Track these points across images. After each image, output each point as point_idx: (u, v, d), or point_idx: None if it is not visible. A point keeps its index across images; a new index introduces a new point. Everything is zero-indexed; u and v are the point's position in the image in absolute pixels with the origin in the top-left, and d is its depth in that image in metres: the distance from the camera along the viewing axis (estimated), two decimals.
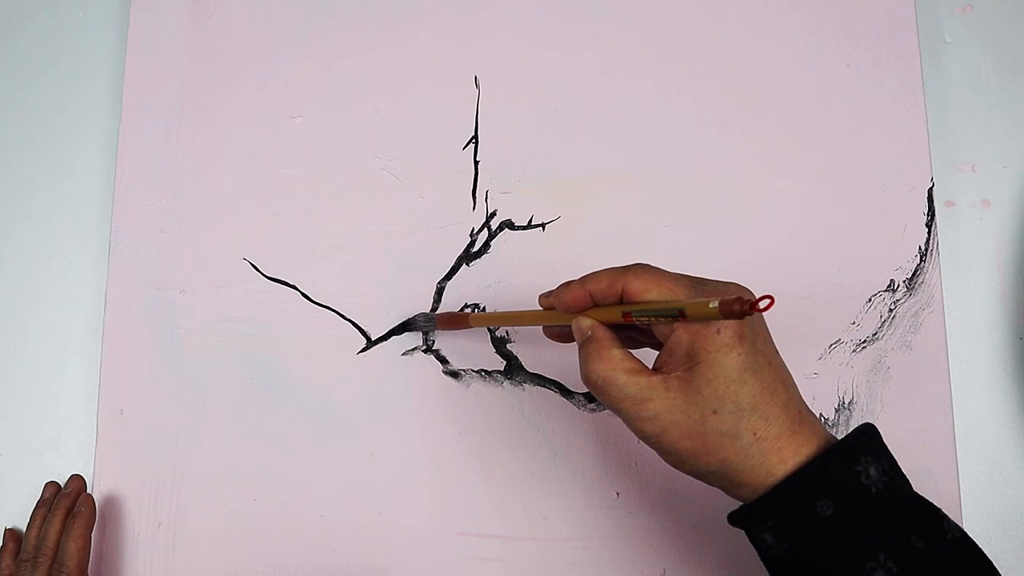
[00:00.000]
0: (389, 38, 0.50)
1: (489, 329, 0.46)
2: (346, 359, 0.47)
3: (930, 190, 0.47)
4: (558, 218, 0.48)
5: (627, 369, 0.31)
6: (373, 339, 0.47)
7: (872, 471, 0.29)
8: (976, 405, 0.47)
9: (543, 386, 0.46)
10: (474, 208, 0.48)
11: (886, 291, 0.46)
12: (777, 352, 0.32)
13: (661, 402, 0.30)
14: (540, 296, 0.36)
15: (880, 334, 0.46)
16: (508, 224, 0.48)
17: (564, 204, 0.48)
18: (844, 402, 0.45)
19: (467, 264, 0.47)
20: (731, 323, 0.29)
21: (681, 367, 0.30)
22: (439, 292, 0.47)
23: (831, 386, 0.45)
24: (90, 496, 0.46)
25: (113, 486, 0.47)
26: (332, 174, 0.49)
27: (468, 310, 0.46)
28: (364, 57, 0.50)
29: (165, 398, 0.47)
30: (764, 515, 0.30)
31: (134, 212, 0.50)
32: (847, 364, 0.45)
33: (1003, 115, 0.50)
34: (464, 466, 0.46)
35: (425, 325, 0.46)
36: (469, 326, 0.43)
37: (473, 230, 0.48)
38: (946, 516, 0.30)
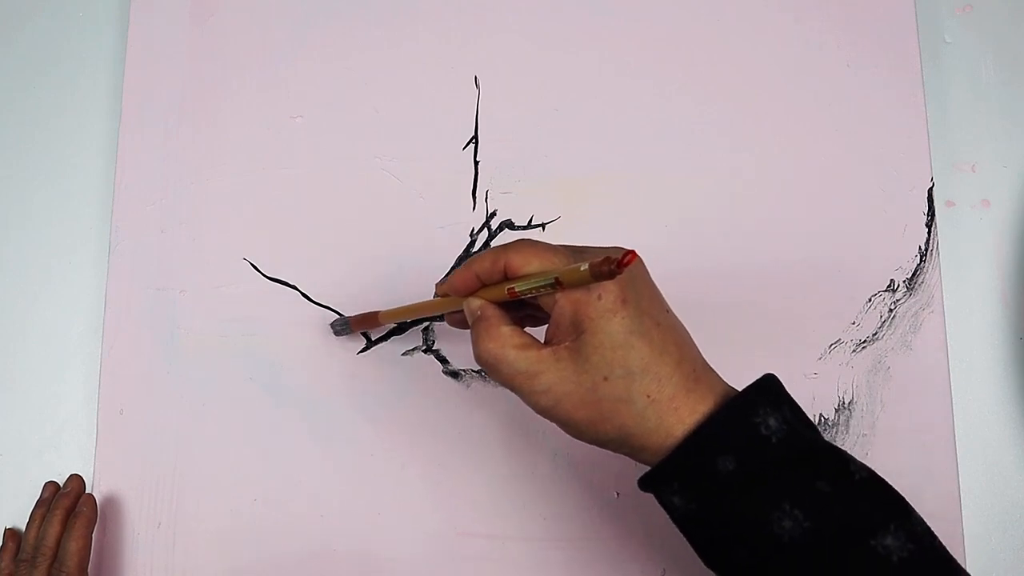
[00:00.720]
0: (389, 38, 0.50)
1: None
2: (346, 359, 0.47)
3: (930, 190, 0.47)
4: (558, 218, 0.48)
5: (516, 344, 0.31)
6: (373, 339, 0.47)
7: (771, 421, 0.29)
8: (976, 405, 0.47)
9: None
10: (474, 208, 0.48)
11: (886, 291, 0.46)
12: (668, 311, 0.32)
13: (552, 374, 0.30)
14: (436, 284, 0.36)
15: (880, 334, 0.46)
16: (508, 224, 0.48)
17: (564, 204, 0.48)
18: (844, 402, 0.45)
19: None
20: (612, 288, 0.29)
21: (568, 337, 0.30)
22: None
23: (831, 386, 0.45)
24: (92, 496, 0.46)
25: (113, 486, 0.47)
26: (332, 174, 0.49)
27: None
28: (364, 57, 0.50)
29: (165, 398, 0.47)
30: (668, 477, 0.30)
31: (134, 212, 0.50)
32: (847, 364, 0.45)
33: (1003, 115, 0.50)
34: (464, 466, 0.46)
35: (341, 329, 0.46)
36: (380, 323, 0.43)
37: (473, 230, 0.48)
38: (853, 458, 0.30)
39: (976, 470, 0.46)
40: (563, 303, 0.30)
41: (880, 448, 0.44)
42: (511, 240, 0.32)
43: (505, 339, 0.31)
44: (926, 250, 0.46)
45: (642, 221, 0.47)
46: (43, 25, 0.55)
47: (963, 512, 0.43)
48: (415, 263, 0.48)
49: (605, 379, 0.29)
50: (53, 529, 0.44)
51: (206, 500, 0.46)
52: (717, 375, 0.32)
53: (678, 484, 0.30)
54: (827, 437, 0.44)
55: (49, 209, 0.52)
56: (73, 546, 0.44)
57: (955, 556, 0.42)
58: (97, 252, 0.51)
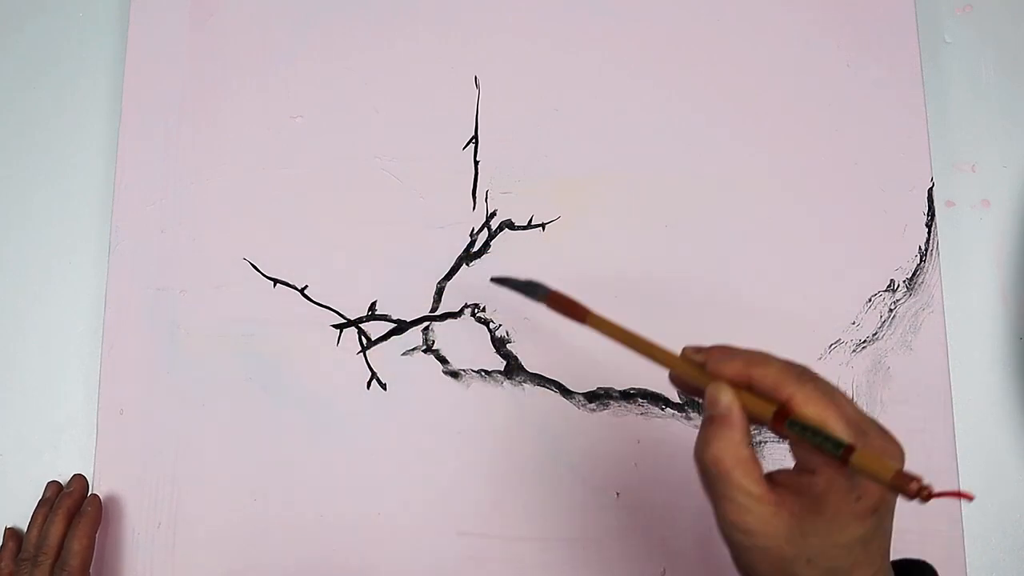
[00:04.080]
0: (389, 38, 0.50)
1: (489, 329, 0.47)
2: (346, 359, 0.47)
3: (930, 190, 0.47)
4: (558, 218, 0.48)
5: (747, 471, 0.28)
6: (373, 339, 0.47)
7: None
8: (976, 405, 0.47)
9: (543, 386, 0.46)
10: (474, 208, 0.48)
11: (886, 291, 0.46)
12: (892, 514, 0.30)
13: (762, 524, 0.28)
14: (688, 348, 0.32)
15: (880, 334, 0.46)
16: (508, 224, 0.48)
17: (564, 204, 0.48)
18: None
19: (467, 264, 0.47)
20: (874, 494, 0.26)
21: (799, 503, 0.28)
22: (439, 292, 0.47)
23: None
24: (97, 496, 0.46)
25: (113, 486, 0.47)
26: (332, 174, 0.49)
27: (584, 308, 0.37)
28: (364, 57, 0.50)
29: (165, 398, 0.48)
30: None
31: (134, 212, 0.50)
32: (847, 364, 0.45)
33: (1003, 115, 0.50)
34: (464, 466, 0.46)
35: (527, 290, 0.38)
36: (584, 322, 0.35)
37: (473, 230, 0.48)
38: None
39: (976, 470, 0.45)
40: (821, 474, 0.27)
41: None
42: (811, 372, 0.29)
43: (741, 459, 0.28)
44: (926, 250, 0.46)
45: (642, 221, 0.47)
46: (43, 25, 0.55)
47: (963, 512, 0.43)
48: (415, 263, 0.48)
49: (808, 562, 0.28)
50: (56, 529, 0.45)
51: (206, 500, 0.46)
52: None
53: None
54: None
55: (49, 209, 0.52)
56: (77, 545, 0.44)
57: (955, 555, 0.42)
58: (97, 252, 0.51)
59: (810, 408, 0.27)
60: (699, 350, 0.31)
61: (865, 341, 0.45)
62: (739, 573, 0.30)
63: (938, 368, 0.45)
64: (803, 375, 0.28)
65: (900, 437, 0.43)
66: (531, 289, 0.38)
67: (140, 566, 0.46)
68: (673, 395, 0.45)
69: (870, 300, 0.46)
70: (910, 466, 0.43)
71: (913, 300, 0.46)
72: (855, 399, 0.45)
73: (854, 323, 0.46)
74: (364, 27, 0.51)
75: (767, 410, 0.28)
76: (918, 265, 0.46)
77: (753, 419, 0.29)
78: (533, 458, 0.46)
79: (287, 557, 0.46)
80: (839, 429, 0.27)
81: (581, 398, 0.46)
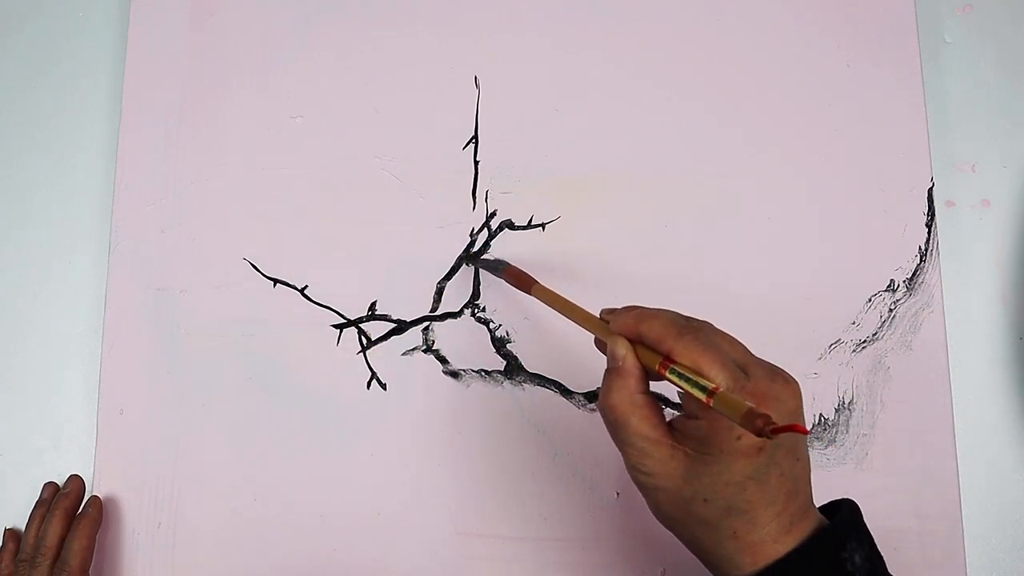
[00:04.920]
0: (389, 38, 0.51)
1: (489, 329, 0.47)
2: (346, 359, 0.47)
3: (930, 190, 0.47)
4: (558, 218, 0.48)
5: (644, 416, 0.31)
6: (373, 339, 0.47)
7: (857, 558, 0.29)
8: (976, 405, 0.47)
9: (543, 386, 0.46)
10: (474, 208, 0.48)
11: (886, 291, 0.46)
12: (798, 458, 0.31)
13: (662, 465, 0.30)
14: (603, 309, 0.35)
15: (880, 334, 0.46)
16: (508, 224, 0.48)
17: (564, 204, 0.48)
18: (844, 402, 0.45)
19: (467, 264, 0.47)
20: (754, 437, 0.28)
21: (692, 445, 0.30)
22: (439, 292, 0.47)
23: (831, 386, 0.45)
24: (97, 497, 0.46)
25: (113, 486, 0.47)
26: (332, 174, 0.49)
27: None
28: (364, 57, 0.50)
29: (165, 398, 0.48)
30: None
31: (134, 212, 0.50)
32: (847, 364, 0.45)
33: (1003, 115, 0.50)
34: (464, 466, 0.46)
35: (488, 265, 0.46)
36: (529, 292, 0.41)
37: (473, 230, 0.48)
38: None
39: (976, 470, 0.45)
40: (703, 417, 0.29)
41: (880, 448, 0.44)
42: (700, 320, 0.32)
43: (636, 404, 0.31)
44: (926, 250, 0.46)
45: (642, 221, 0.47)
46: (43, 25, 0.55)
47: (963, 512, 0.43)
48: (415, 263, 0.48)
49: (705, 501, 0.29)
50: (53, 529, 0.45)
51: (206, 500, 0.46)
52: (816, 514, 0.31)
53: None
54: (826, 438, 0.45)
55: (49, 209, 0.53)
56: (76, 545, 0.44)
57: (955, 555, 0.42)
58: (97, 252, 0.51)
59: (686, 357, 0.29)
60: (611, 311, 0.34)
61: (865, 341, 0.46)
62: (653, 513, 0.32)
63: (938, 368, 0.45)
64: (685, 328, 0.31)
65: (900, 437, 0.44)
66: (495, 266, 0.45)
67: (140, 566, 0.46)
68: (674, 395, 0.45)
69: (870, 300, 0.46)
70: (910, 465, 0.44)
71: (913, 300, 0.46)
72: (855, 399, 0.45)
73: (854, 323, 0.46)
74: (364, 27, 0.51)
75: (655, 360, 0.31)
76: (918, 265, 0.46)
77: (647, 370, 0.31)
78: (533, 458, 0.45)
79: (287, 557, 0.46)
80: (713, 373, 0.29)
81: (581, 398, 0.46)
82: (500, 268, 0.44)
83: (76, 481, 0.47)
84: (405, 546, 0.45)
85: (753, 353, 0.31)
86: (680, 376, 0.29)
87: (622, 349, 0.32)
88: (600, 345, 0.35)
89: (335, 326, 0.48)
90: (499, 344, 0.47)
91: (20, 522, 0.48)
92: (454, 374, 0.47)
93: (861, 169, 0.47)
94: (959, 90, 0.50)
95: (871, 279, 0.46)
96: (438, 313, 0.47)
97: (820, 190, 0.47)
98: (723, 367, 0.29)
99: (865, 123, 0.48)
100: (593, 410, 0.46)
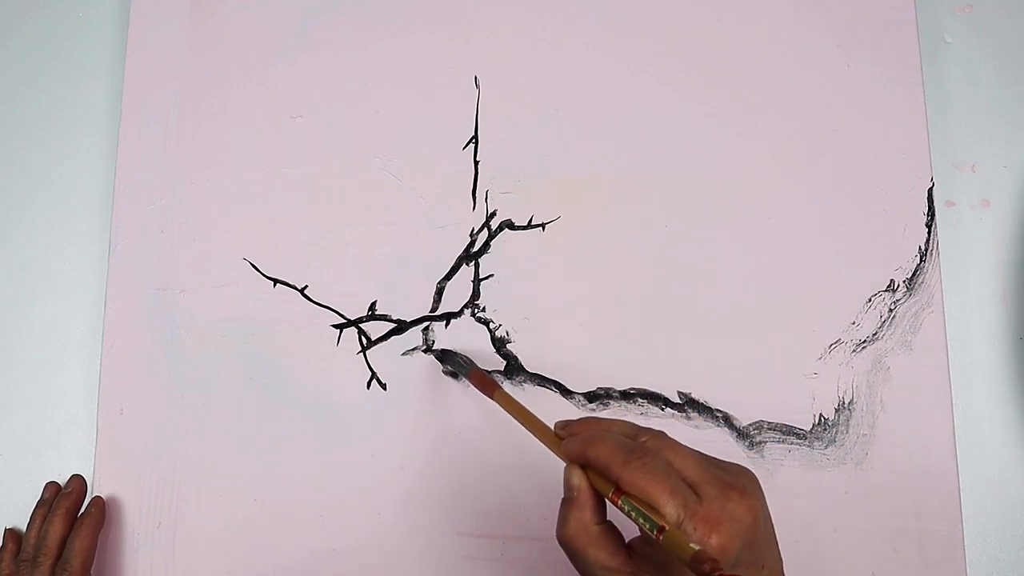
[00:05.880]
0: (389, 38, 0.51)
1: (489, 329, 0.47)
2: (346, 359, 0.47)
3: (930, 190, 0.47)
4: (558, 218, 0.48)
5: (600, 546, 0.30)
6: (373, 339, 0.47)
7: None
8: (976, 405, 0.47)
9: (543, 386, 0.46)
10: (474, 208, 0.48)
11: (886, 291, 0.46)
12: (763, 565, 0.30)
13: None
14: (557, 423, 0.35)
15: (880, 334, 0.46)
16: (508, 224, 0.48)
17: (564, 204, 0.48)
18: (844, 402, 0.45)
19: (467, 264, 0.48)
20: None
21: (650, 571, 0.30)
22: (439, 292, 0.48)
23: (831, 386, 0.45)
24: (100, 498, 0.47)
25: (113, 486, 0.47)
26: (332, 174, 0.49)
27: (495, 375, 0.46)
28: (364, 57, 0.51)
29: (165, 398, 0.48)
30: None
31: (134, 212, 0.50)
32: (847, 364, 0.45)
33: (1003, 115, 0.50)
34: (463, 465, 0.46)
35: (460, 366, 0.45)
36: (491, 396, 0.41)
37: (473, 230, 0.48)
38: None
39: (976, 470, 0.46)
40: (658, 546, 0.29)
41: (880, 448, 0.44)
42: (652, 435, 0.31)
43: (592, 535, 0.30)
44: (926, 250, 0.47)
45: (641, 221, 0.48)
46: (43, 25, 0.55)
47: (963, 512, 0.43)
48: (415, 263, 0.48)
49: None
50: (55, 529, 0.45)
51: (206, 500, 0.47)
52: None
53: None
54: (826, 438, 0.45)
55: (49, 209, 0.53)
56: (79, 545, 0.44)
57: (955, 555, 0.42)
58: (97, 252, 0.51)
59: (635, 486, 0.29)
60: (565, 425, 0.34)
61: (865, 341, 0.46)
62: None
63: (938, 368, 0.45)
64: (632, 454, 0.30)
65: (900, 437, 0.44)
66: (461, 365, 0.45)
67: (140, 566, 0.46)
68: (672, 395, 0.46)
69: (870, 300, 0.46)
70: (910, 465, 0.44)
71: (913, 300, 0.46)
72: (855, 399, 0.45)
73: (854, 323, 0.46)
74: (364, 27, 0.51)
75: (608, 488, 0.30)
76: (918, 265, 0.46)
77: (602, 495, 0.31)
78: (533, 458, 0.46)
79: (287, 557, 0.46)
80: (662, 502, 0.28)
81: (581, 398, 0.46)
82: (465, 369, 0.45)
83: (78, 481, 0.48)
84: (405, 546, 0.45)
85: (708, 457, 0.31)
86: (631, 507, 0.29)
87: (576, 479, 0.31)
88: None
89: (335, 326, 0.48)
90: (499, 344, 0.47)
91: (21, 522, 0.48)
92: (453, 374, 0.47)
93: (861, 169, 0.47)
94: (959, 90, 0.51)
95: (871, 279, 0.46)
96: (438, 313, 0.47)
97: (820, 190, 0.47)
98: (672, 495, 0.28)
99: (865, 123, 0.48)
100: (593, 410, 0.46)
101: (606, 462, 0.30)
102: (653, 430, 0.32)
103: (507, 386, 0.46)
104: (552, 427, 0.35)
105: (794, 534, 0.43)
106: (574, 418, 0.34)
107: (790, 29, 0.49)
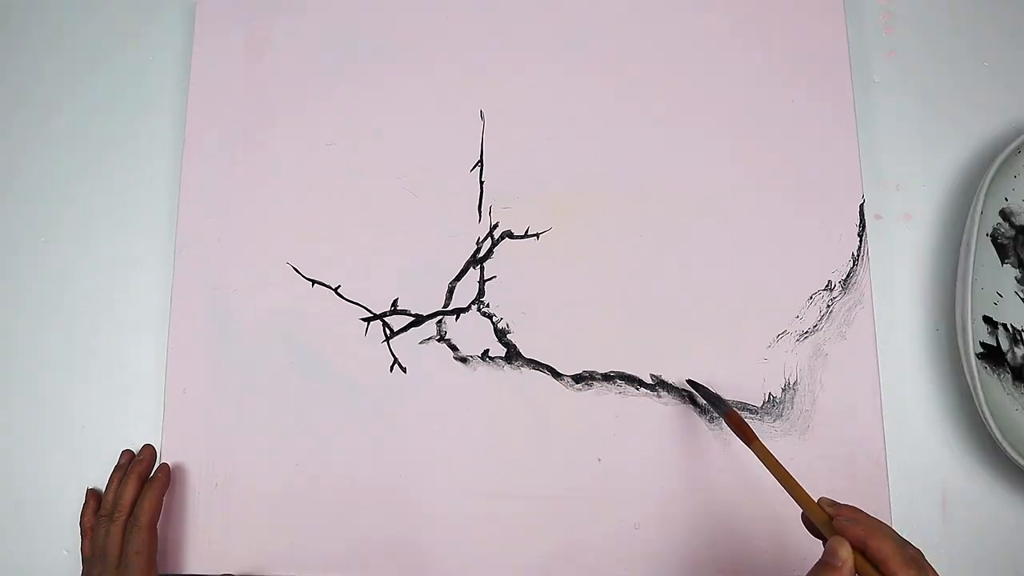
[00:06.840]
0: (409, 79, 0.53)
1: (492, 322, 0.49)
2: (372, 347, 0.49)
3: (861, 205, 0.49)
4: (550, 229, 0.50)
5: None
6: (395, 330, 0.50)
7: None
8: (900, 385, 0.49)
9: (537, 369, 0.49)
10: (479, 220, 0.50)
11: (824, 290, 0.48)
12: None
13: None
14: (824, 499, 0.35)
15: (820, 326, 0.48)
16: (508, 234, 0.50)
17: (555, 217, 0.50)
18: (789, 383, 0.47)
19: (474, 267, 0.50)
20: None
21: None
22: (450, 291, 0.50)
23: (778, 369, 0.48)
24: (167, 464, 0.49)
25: (178, 453, 0.49)
26: (361, 191, 0.51)
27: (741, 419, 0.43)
28: (387, 94, 0.52)
29: (221, 380, 0.49)
30: None
31: (196, 224, 0.52)
32: (792, 351, 0.48)
33: (923, 142, 0.52)
34: (472, 436, 0.48)
35: (715, 404, 0.44)
36: (750, 447, 0.40)
37: (479, 238, 0.50)
38: None
39: (900, 440, 0.48)
40: None
41: (819, 421, 0.46)
42: (915, 548, 0.32)
43: None
44: (858, 256, 0.48)
45: (621, 231, 0.49)
46: (119, 68, 0.57)
47: (889, 475, 0.46)
48: (430, 265, 0.50)
49: None
50: (128, 490, 0.47)
51: (255, 465, 0.48)
52: None
53: None
54: (775, 413, 0.47)
55: (127, 221, 0.54)
56: (148, 504, 0.46)
57: (882, 511, 0.44)
58: (165, 258, 0.53)
59: None
60: (833, 504, 0.35)
61: (807, 332, 0.48)
62: None
63: (868, 354, 0.47)
64: (911, 561, 0.31)
65: (836, 412, 0.46)
66: (719, 406, 0.44)
67: (200, 519, 0.48)
68: (646, 377, 0.47)
69: (811, 298, 0.48)
70: (844, 435, 0.45)
71: (847, 298, 0.48)
72: (799, 380, 0.46)
73: (798, 316, 0.48)
74: (388, 69, 0.53)
75: (870, 574, 0.32)
76: (851, 268, 0.48)
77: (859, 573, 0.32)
78: (529, 429, 0.48)
79: (322, 513, 0.47)
80: None
81: (569, 379, 0.48)
82: (722, 410, 0.43)
83: (149, 449, 0.50)
84: (423, 505, 0.47)
85: None
86: None
87: (845, 552, 0.32)
88: (809, 525, 0.36)
89: (363, 319, 0.50)
90: (500, 334, 0.49)
91: (100, 483, 0.50)
92: (463, 359, 0.49)
93: (804, 187, 0.49)
94: (886, 121, 0.52)
95: (812, 280, 0.48)
96: (450, 308, 0.49)
97: (770, 204, 0.49)
98: None
99: (807, 148, 0.49)
100: (579, 389, 0.47)
101: (885, 558, 0.31)
102: (913, 544, 0.33)
103: (507, 369, 0.48)
104: (813, 497, 0.36)
105: (748, 491, 0.46)
106: (828, 496, 0.36)
107: (745, 73, 0.51)
